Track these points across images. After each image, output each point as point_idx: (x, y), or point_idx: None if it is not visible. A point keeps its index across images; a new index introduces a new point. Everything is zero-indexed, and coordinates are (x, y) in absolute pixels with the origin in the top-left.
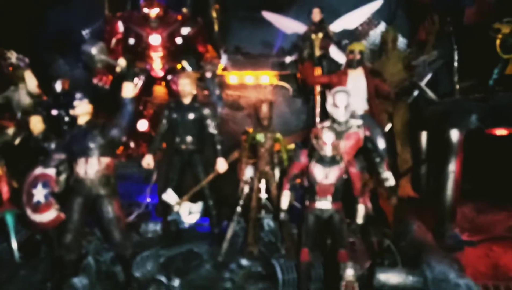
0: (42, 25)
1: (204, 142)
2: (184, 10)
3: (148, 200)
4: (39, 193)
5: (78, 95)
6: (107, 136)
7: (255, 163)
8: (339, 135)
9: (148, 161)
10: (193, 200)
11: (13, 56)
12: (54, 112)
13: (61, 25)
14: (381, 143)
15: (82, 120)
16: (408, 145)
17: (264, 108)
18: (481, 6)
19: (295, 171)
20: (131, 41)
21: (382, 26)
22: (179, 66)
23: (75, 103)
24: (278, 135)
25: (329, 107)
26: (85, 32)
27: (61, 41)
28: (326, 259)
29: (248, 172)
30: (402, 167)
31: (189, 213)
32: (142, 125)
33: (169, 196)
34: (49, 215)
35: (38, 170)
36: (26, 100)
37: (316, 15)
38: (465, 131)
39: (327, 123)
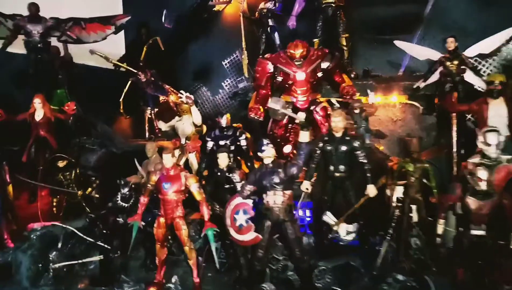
0: (187, 57)
1: (353, 170)
2: (315, 40)
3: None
4: (241, 218)
5: (265, 141)
6: (288, 173)
7: (405, 187)
8: (490, 169)
9: (306, 186)
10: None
11: (183, 96)
12: (222, 142)
13: (202, 56)
14: None
15: (267, 161)
16: None
17: (415, 143)
18: None
19: (449, 203)
20: (279, 78)
21: None
22: (318, 96)
23: (264, 147)
24: (427, 166)
25: (480, 144)
26: (224, 63)
27: (203, 70)
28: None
29: (397, 193)
30: None
31: (347, 233)
32: (287, 148)
33: (328, 217)
34: (250, 236)
35: (238, 200)
36: (189, 129)
37: (451, 44)
38: None
39: (477, 159)
